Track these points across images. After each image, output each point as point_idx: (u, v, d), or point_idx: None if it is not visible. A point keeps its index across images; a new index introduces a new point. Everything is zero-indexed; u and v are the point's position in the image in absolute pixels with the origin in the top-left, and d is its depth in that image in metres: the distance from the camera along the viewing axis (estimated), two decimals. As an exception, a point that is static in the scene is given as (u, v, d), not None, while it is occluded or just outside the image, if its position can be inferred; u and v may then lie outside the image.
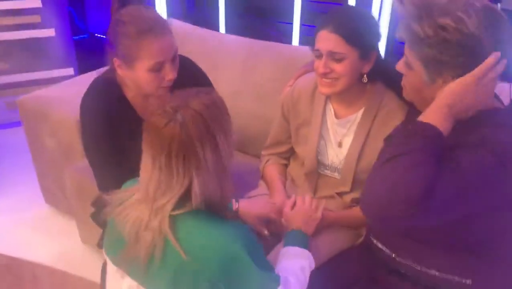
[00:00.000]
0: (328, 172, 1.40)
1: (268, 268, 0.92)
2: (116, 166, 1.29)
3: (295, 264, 1.02)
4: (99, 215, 1.50)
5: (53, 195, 2.14)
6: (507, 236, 1.00)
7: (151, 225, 0.85)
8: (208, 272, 0.82)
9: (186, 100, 0.85)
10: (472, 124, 0.93)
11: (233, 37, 1.99)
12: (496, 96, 1.02)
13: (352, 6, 2.15)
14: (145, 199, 0.88)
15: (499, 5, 1.82)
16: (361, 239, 1.32)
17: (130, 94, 1.32)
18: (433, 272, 1.02)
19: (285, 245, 1.13)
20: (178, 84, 1.20)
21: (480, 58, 0.89)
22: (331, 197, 1.39)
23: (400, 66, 1.02)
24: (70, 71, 3.05)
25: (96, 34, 4.30)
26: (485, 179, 0.87)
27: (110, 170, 1.30)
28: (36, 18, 2.86)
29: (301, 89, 1.39)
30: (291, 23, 2.79)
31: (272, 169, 1.50)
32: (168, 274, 0.86)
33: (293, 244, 1.12)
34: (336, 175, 1.38)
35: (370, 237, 1.19)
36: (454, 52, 0.89)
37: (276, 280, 0.90)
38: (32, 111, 1.95)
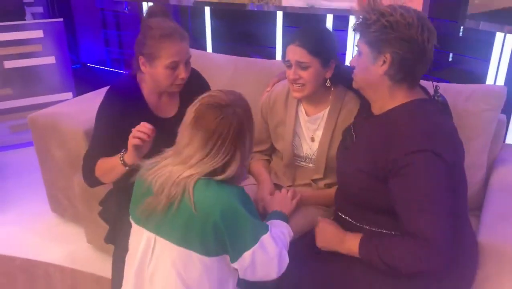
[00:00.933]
0: (304, 164, 1.65)
1: (260, 219, 1.16)
2: (110, 145, 1.47)
3: (277, 231, 1.24)
4: (106, 213, 1.73)
5: (60, 204, 2.34)
6: None
7: (178, 182, 1.08)
8: (212, 220, 1.06)
9: (234, 100, 1.13)
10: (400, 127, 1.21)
11: (220, 55, 2.26)
12: (424, 89, 1.30)
13: (314, 25, 2.48)
14: (183, 162, 1.11)
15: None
16: (332, 217, 1.57)
17: (147, 91, 1.56)
18: (383, 230, 1.27)
19: (267, 220, 1.36)
20: (187, 88, 1.49)
21: (406, 35, 1.16)
22: (308, 184, 1.65)
23: (352, 61, 1.31)
24: (69, 95, 3.27)
25: (88, 64, 4.56)
26: (435, 181, 1.14)
27: (104, 146, 1.50)
28: (38, 48, 3.11)
29: (276, 94, 1.66)
30: (274, 47, 3.11)
31: (257, 165, 1.74)
32: (180, 221, 1.09)
33: (274, 219, 1.36)
34: (310, 165, 1.64)
35: (338, 212, 1.44)
36: (388, 30, 1.17)
37: (266, 227, 1.15)
38: (42, 125, 2.15)
